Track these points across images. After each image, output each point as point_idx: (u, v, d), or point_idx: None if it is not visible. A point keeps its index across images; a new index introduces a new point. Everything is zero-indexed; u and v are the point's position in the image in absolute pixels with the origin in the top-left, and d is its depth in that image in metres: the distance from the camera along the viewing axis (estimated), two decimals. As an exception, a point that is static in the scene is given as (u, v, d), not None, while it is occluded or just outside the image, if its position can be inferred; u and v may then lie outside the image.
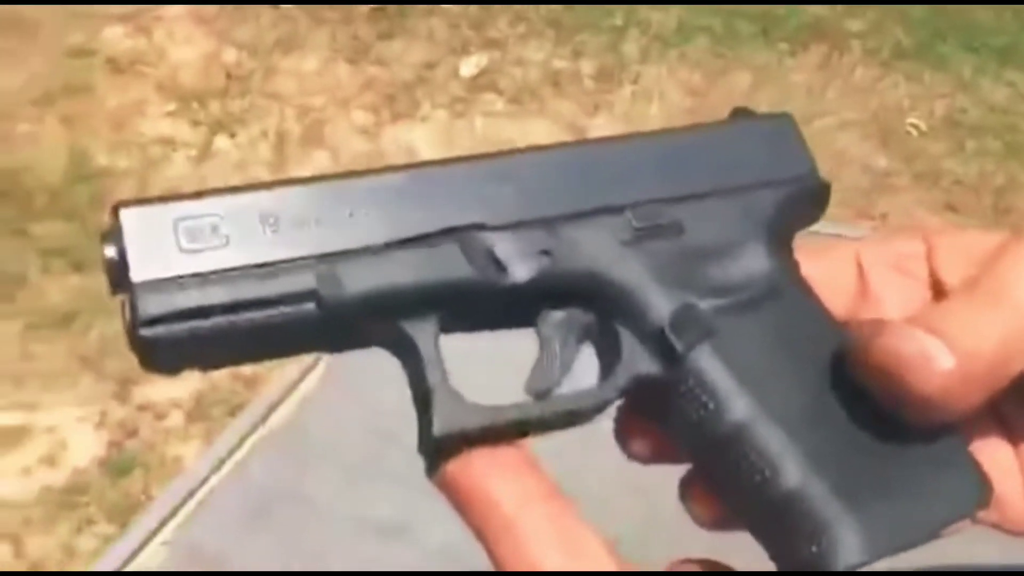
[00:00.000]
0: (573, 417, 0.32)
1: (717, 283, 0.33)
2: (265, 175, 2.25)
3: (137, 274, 0.29)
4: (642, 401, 0.33)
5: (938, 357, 0.30)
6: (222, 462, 0.61)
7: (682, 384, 0.32)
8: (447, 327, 0.32)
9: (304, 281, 0.30)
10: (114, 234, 0.29)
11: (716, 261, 0.34)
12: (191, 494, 0.59)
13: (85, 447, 1.71)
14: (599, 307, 0.33)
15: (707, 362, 0.32)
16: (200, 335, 0.29)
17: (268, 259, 0.30)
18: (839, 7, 2.62)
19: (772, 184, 0.36)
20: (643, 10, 2.69)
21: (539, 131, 2.32)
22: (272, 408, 0.64)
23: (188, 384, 1.78)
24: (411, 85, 2.50)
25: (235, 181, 2.24)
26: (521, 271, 0.32)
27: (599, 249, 0.33)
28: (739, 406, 0.31)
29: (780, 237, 0.35)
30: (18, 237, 2.11)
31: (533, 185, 0.33)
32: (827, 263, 0.36)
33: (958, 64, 2.40)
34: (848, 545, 0.30)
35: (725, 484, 0.32)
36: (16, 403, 1.78)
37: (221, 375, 1.78)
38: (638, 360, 0.32)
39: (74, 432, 1.73)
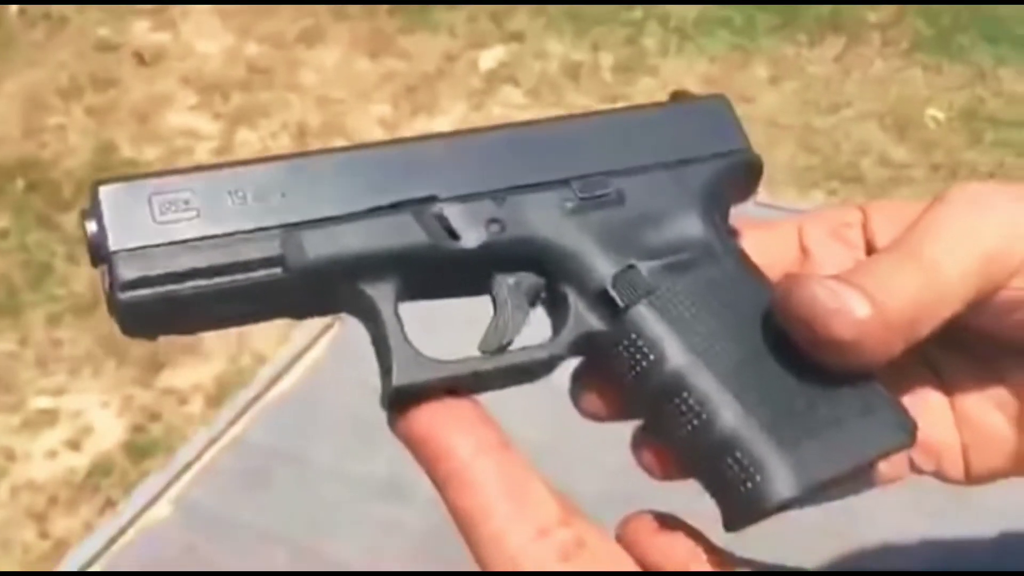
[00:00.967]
0: (524, 372, 0.35)
1: (655, 246, 0.36)
2: (287, 166, 2.28)
3: (115, 243, 0.31)
4: (591, 359, 0.36)
5: (854, 306, 0.32)
6: (227, 427, 0.63)
7: (625, 338, 0.34)
8: (407, 293, 0.34)
9: (270, 248, 0.32)
10: (94, 209, 0.32)
11: (654, 227, 0.36)
12: (197, 456, 0.62)
13: (109, 431, 1.74)
14: (547, 271, 0.36)
15: (646, 317, 0.34)
16: (175, 299, 0.32)
17: (236, 229, 0.33)
18: (859, -1, 2.61)
19: (706, 158, 0.39)
20: (663, 4, 2.70)
21: (557, 123, 2.34)
22: (277, 377, 0.67)
23: (210, 369, 1.81)
24: (431, 78, 2.52)
25: (257, 172, 2.27)
26: (472, 238, 0.34)
27: (545, 217, 0.35)
28: (676, 356, 0.34)
29: (715, 207, 0.38)
30: (45, 227, 2.16)
31: (483, 160, 0.36)
32: (770, 235, 0.39)
33: (978, 55, 2.39)
34: (780, 480, 0.32)
35: (667, 432, 0.35)
36: (43, 388, 1.82)
37: (243, 361, 1.81)
38: (584, 318, 0.35)
39: (98, 416, 1.77)
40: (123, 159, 2.34)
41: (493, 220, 0.35)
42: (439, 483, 0.33)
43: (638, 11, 2.67)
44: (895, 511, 0.53)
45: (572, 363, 0.37)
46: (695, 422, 0.33)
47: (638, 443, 0.36)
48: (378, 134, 2.36)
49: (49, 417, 1.77)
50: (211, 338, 1.90)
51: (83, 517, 1.61)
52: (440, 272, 0.35)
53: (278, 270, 0.32)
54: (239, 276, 0.32)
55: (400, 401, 0.33)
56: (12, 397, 1.80)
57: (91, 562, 0.57)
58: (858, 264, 0.35)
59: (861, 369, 0.34)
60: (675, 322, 0.34)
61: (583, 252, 0.35)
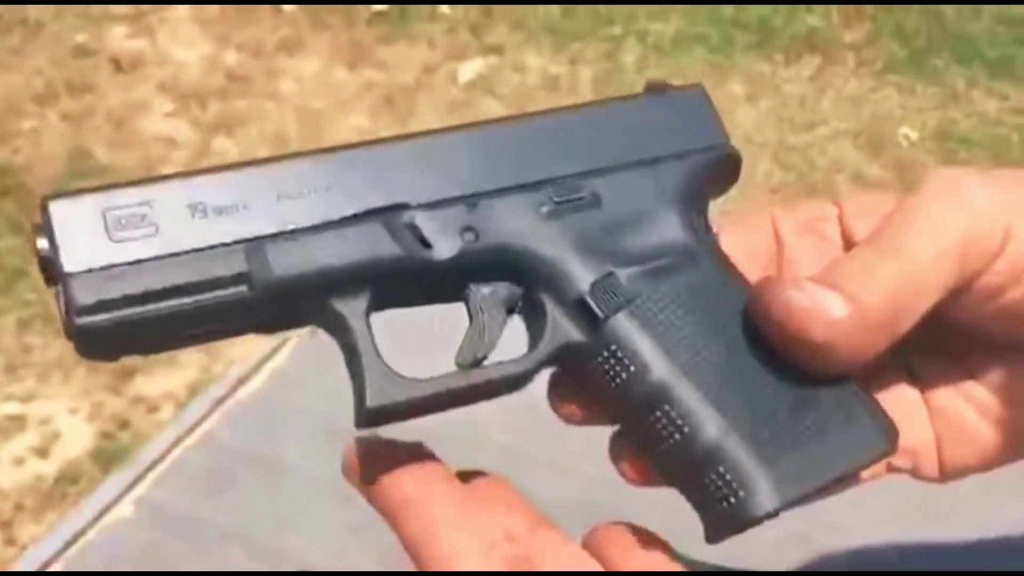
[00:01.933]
0: (501, 386, 0.34)
1: (634, 252, 0.35)
2: (263, 175, 2.28)
3: (69, 264, 0.30)
4: (569, 368, 0.35)
5: (830, 307, 0.32)
6: (193, 427, 0.63)
7: (604, 349, 0.33)
8: (378, 304, 0.33)
9: (235, 264, 0.31)
10: (45, 226, 0.30)
11: (632, 231, 0.35)
12: (161, 458, 0.61)
13: (77, 438, 1.73)
14: (523, 280, 0.34)
15: (627, 327, 0.33)
16: (135, 322, 0.30)
17: (198, 245, 0.31)
18: (834, 19, 2.64)
19: (684, 155, 0.37)
20: (641, 20, 2.71)
21: (535, 136, 2.35)
22: (242, 381, 0.67)
23: (182, 377, 1.80)
24: (409, 89, 2.52)
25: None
26: (445, 248, 0.33)
27: (520, 223, 0.34)
28: (657, 368, 0.33)
29: (693, 206, 0.37)
30: (18, 232, 2.13)
31: (454, 164, 0.34)
32: (745, 230, 0.38)
33: (951, 77, 2.42)
34: (762, 495, 0.32)
35: (648, 443, 0.34)
36: (11, 394, 1.80)
37: (216, 369, 1.80)
38: (562, 329, 0.34)
39: (67, 423, 1.75)
40: (98, 165, 2.32)
41: (467, 228, 0.33)
42: (389, 518, 0.33)
43: (617, 27, 2.69)
44: (863, 515, 0.53)
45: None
46: (677, 436, 0.33)
47: (616, 449, 0.36)
48: (355, 144, 2.36)
49: (17, 423, 1.75)
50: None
51: (50, 524, 1.59)
52: (413, 282, 0.34)
53: (244, 288, 0.31)
54: (202, 296, 0.30)
55: (374, 422, 0.33)
56: (-21, 403, 1.78)
57: (50, 561, 0.56)
58: (834, 262, 0.34)
59: (842, 371, 0.34)
60: (656, 332, 0.33)
61: (560, 259, 0.34)
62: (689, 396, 0.33)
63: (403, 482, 0.33)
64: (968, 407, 0.37)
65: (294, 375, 0.67)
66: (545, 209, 0.34)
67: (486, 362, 0.34)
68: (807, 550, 0.57)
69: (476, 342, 0.34)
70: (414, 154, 0.34)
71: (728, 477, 0.32)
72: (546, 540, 0.32)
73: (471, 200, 0.34)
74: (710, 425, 0.32)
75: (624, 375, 0.33)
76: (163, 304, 0.30)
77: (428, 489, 0.33)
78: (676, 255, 0.35)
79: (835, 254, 0.38)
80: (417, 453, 0.34)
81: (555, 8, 2.74)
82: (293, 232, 0.31)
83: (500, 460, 0.37)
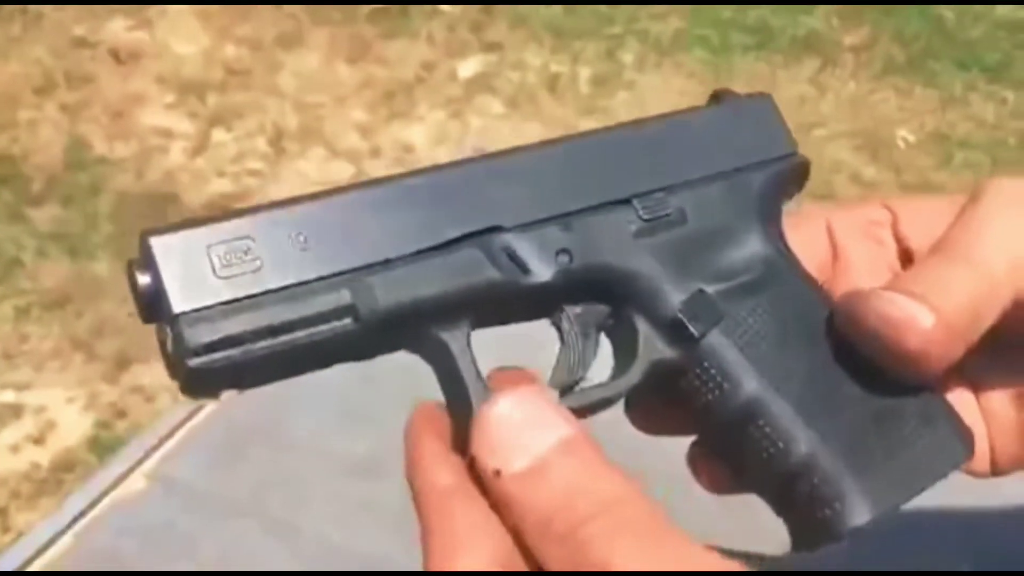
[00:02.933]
0: (600, 406, 0.34)
1: (721, 268, 0.35)
2: (262, 168, 2.27)
3: (178, 305, 0.29)
4: (658, 383, 0.34)
5: (920, 317, 0.32)
6: (202, 404, 0.63)
7: (697, 367, 0.33)
8: (474, 326, 0.33)
9: (340, 298, 0.30)
10: (147, 263, 0.29)
11: (718, 246, 0.35)
12: (171, 432, 0.61)
13: (74, 427, 1.72)
14: (614, 298, 0.34)
15: (719, 344, 0.33)
16: (245, 360, 0.29)
17: (303, 278, 0.30)
18: (834, 22, 2.65)
19: (760, 166, 0.37)
20: (642, 20, 2.72)
21: (534, 133, 2.35)
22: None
23: (178, 368, 1.79)
24: (409, 85, 2.52)
25: (231, 172, 2.26)
26: (544, 271, 0.33)
27: (614, 243, 0.34)
28: (749, 385, 0.33)
29: (770, 217, 0.37)
30: (16, 221, 2.13)
31: (542, 182, 0.34)
32: (802, 233, 0.39)
33: (949, 80, 2.43)
34: (857, 505, 0.32)
35: (738, 458, 0.34)
36: (8, 383, 1.79)
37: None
38: (654, 346, 0.34)
39: (64, 412, 1.74)
40: (95, 156, 2.32)
41: (562, 250, 0.33)
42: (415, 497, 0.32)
43: (617, 27, 2.69)
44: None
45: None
46: (771, 450, 0.33)
47: (694, 458, 0.36)
48: (355, 139, 2.36)
49: (13, 411, 1.74)
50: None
51: (45, 512, 1.58)
52: (509, 304, 0.33)
53: (349, 320, 0.30)
54: (311, 330, 0.30)
55: None
56: (-25, 391, 1.78)
57: (58, 536, 0.56)
58: (910, 271, 0.35)
59: (926, 380, 0.34)
60: (747, 349, 0.34)
61: (652, 278, 0.34)
62: (782, 410, 0.33)
63: (441, 469, 0.32)
64: (1012, 405, 0.37)
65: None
66: (634, 227, 0.34)
67: (582, 383, 0.33)
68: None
69: (571, 366, 0.33)
70: (504, 174, 0.34)
71: (823, 490, 0.32)
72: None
73: (564, 220, 0.34)
74: (803, 438, 0.32)
75: (717, 391, 0.33)
76: (272, 341, 0.29)
77: (463, 484, 0.31)
78: (760, 269, 0.35)
79: (890, 259, 0.39)
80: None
81: (556, 6, 2.75)
82: (395, 261, 0.31)
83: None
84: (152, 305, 0.29)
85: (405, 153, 2.33)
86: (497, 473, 0.29)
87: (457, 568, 0.30)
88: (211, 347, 0.29)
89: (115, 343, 1.85)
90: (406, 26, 2.70)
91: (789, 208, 0.40)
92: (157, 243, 0.29)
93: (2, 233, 2.09)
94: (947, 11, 2.63)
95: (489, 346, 0.34)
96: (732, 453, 0.34)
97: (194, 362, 0.28)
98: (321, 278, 0.30)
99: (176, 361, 0.29)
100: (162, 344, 0.29)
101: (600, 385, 0.34)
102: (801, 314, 0.35)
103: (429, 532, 0.31)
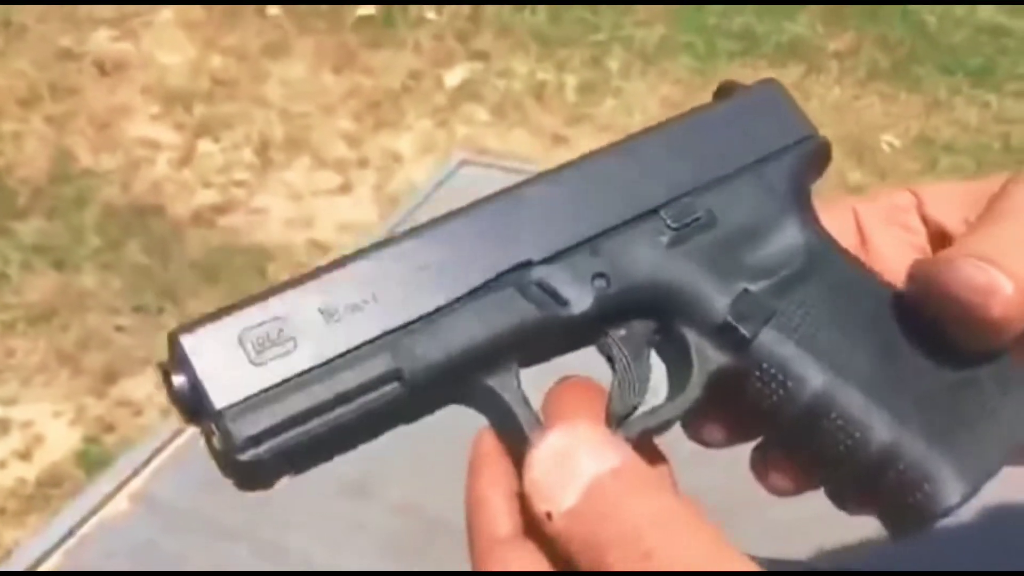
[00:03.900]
0: (663, 428, 0.33)
1: (762, 264, 0.34)
2: (248, 179, 2.27)
3: (219, 400, 0.28)
4: (718, 392, 0.33)
5: (1003, 284, 0.31)
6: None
7: (756, 369, 0.32)
8: (522, 365, 0.32)
9: (382, 363, 0.29)
10: (180, 363, 0.28)
11: (754, 242, 0.34)
12: (157, 452, 0.61)
13: (61, 441, 1.71)
14: (658, 314, 0.33)
15: (774, 343, 0.32)
16: (296, 444, 0.28)
17: (340, 350, 0.29)
18: (819, 28, 2.66)
19: (782, 152, 0.36)
20: (627, 27, 2.73)
21: (520, 142, 2.35)
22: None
23: (165, 381, 1.79)
24: (396, 94, 2.52)
25: (218, 183, 2.26)
26: (582, 300, 0.32)
27: (647, 258, 0.33)
28: (814, 378, 0.32)
29: (802, 203, 0.36)
30: (0, 234, 2.12)
31: (564, 209, 0.33)
32: (829, 220, 0.38)
33: (933, 85, 2.44)
34: (948, 484, 0.31)
35: (815, 454, 0.33)
36: (-7, 397, 1.78)
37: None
38: (708, 355, 0.33)
39: (50, 427, 1.73)
40: (81, 168, 2.31)
41: (597, 275, 0.32)
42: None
43: (603, 34, 2.70)
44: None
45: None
46: (848, 441, 0.32)
47: (761, 464, 0.35)
48: (342, 149, 2.36)
49: (0, 426, 1.73)
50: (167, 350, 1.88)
51: (32, 528, 1.57)
52: (553, 339, 0.32)
53: (395, 384, 0.29)
54: (359, 401, 0.29)
55: None
56: (-39, 406, 1.76)
57: (46, 556, 0.56)
58: (974, 238, 0.34)
59: (1003, 346, 0.33)
60: (803, 341, 0.32)
61: (693, 286, 0.33)
62: (852, 399, 0.32)
63: (501, 515, 0.30)
64: None
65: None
66: (665, 238, 0.33)
67: (641, 408, 0.32)
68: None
69: (626, 393, 0.32)
70: (523, 206, 0.33)
71: (910, 473, 0.31)
72: None
73: (592, 243, 0.33)
74: (880, 425, 0.31)
75: (781, 391, 0.32)
76: (321, 419, 0.29)
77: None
78: (803, 258, 0.34)
79: (920, 243, 0.38)
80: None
81: (541, 15, 2.75)
82: (430, 315, 0.30)
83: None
84: (193, 405, 0.28)
85: (392, 162, 2.33)
86: (549, 516, 0.28)
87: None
88: (259, 438, 0.28)
89: (102, 357, 1.84)
90: (392, 35, 2.70)
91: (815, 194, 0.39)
92: (188, 341, 0.28)
93: (-13, 247, 2.08)
94: (930, 16, 2.64)
95: (542, 379, 0.33)
96: (807, 451, 0.33)
97: (245, 456, 0.28)
98: (359, 346, 0.29)
99: (227, 458, 0.28)
100: (208, 442, 0.29)
101: (659, 408, 0.32)
102: (854, 296, 0.34)
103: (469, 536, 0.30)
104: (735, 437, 0.35)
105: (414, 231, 0.32)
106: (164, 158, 2.34)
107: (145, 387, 1.78)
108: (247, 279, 2.00)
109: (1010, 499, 0.54)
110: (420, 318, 0.30)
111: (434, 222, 0.32)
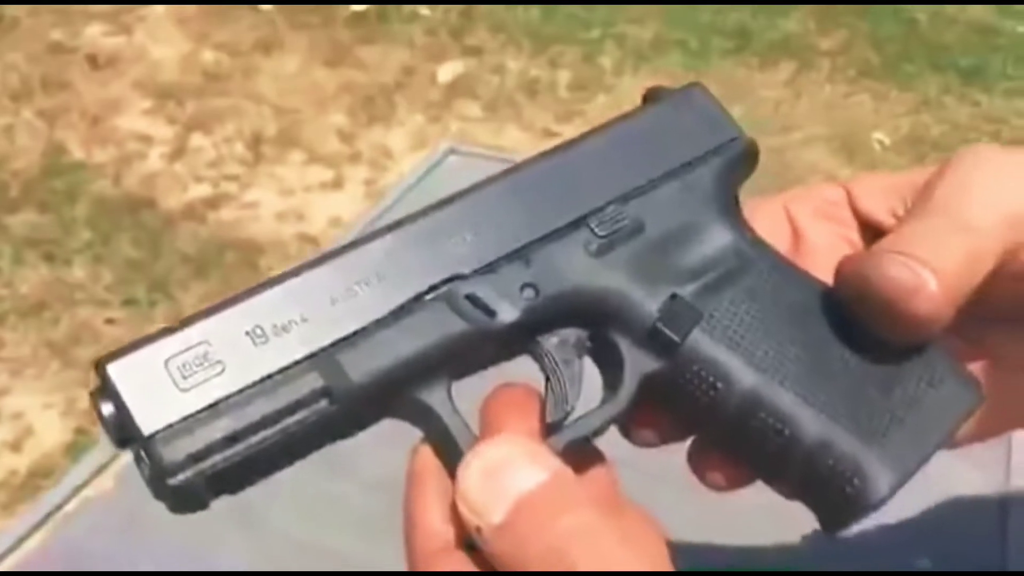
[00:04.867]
0: (596, 434, 0.33)
1: (690, 267, 0.34)
2: (240, 173, 2.27)
3: (147, 426, 0.28)
4: (651, 396, 0.34)
5: (927, 280, 0.32)
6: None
7: (687, 371, 0.33)
8: (454, 378, 0.32)
9: (310, 382, 0.29)
10: (107, 390, 0.28)
11: (682, 247, 0.34)
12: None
13: (51, 433, 1.71)
14: (589, 321, 0.33)
15: (704, 344, 0.33)
16: (227, 466, 0.29)
17: (268, 371, 0.29)
18: (810, 25, 2.67)
19: (707, 156, 0.37)
20: (620, 24, 2.73)
21: (513, 137, 2.35)
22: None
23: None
24: (389, 89, 2.52)
25: (209, 177, 2.26)
26: (510, 311, 0.32)
27: (574, 267, 0.33)
28: (745, 377, 0.32)
29: (729, 206, 0.36)
30: (-10, 228, 2.12)
31: (493, 221, 0.33)
32: (761, 219, 0.38)
33: (924, 84, 2.45)
34: (879, 478, 0.32)
35: (748, 452, 0.33)
36: (-17, 389, 1.78)
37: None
38: (639, 361, 0.33)
39: (40, 418, 1.74)
40: (73, 161, 2.31)
41: (526, 285, 0.32)
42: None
43: (595, 31, 2.71)
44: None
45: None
46: (779, 439, 0.32)
47: (698, 461, 0.35)
48: (335, 144, 2.36)
49: (-11, 418, 1.73)
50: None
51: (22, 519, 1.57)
52: (484, 351, 0.33)
53: (325, 403, 0.29)
54: (287, 421, 0.29)
55: None
56: (-49, 397, 1.76)
57: (30, 533, 0.56)
58: (900, 234, 0.34)
59: (927, 341, 0.33)
60: (734, 342, 0.33)
61: (621, 293, 0.33)
62: (782, 398, 0.32)
63: (424, 452, 0.32)
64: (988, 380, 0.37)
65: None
66: (594, 246, 0.34)
67: (572, 415, 0.32)
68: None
69: (560, 400, 0.32)
70: (452, 221, 0.33)
71: (840, 468, 0.32)
72: None
73: (522, 254, 0.33)
74: (810, 421, 0.32)
75: (711, 392, 0.33)
76: (251, 439, 0.29)
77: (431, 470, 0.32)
78: (731, 260, 0.35)
79: (852, 237, 0.38)
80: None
81: (534, 11, 2.76)
82: (359, 333, 0.30)
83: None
84: (122, 431, 0.28)
85: (384, 157, 2.33)
86: (479, 530, 0.29)
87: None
88: (188, 461, 0.28)
89: (92, 349, 1.84)
90: (385, 31, 2.70)
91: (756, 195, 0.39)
92: (114, 369, 0.29)
93: (-22, 239, 2.08)
94: (921, 15, 2.65)
95: (478, 388, 0.33)
96: (740, 449, 0.33)
97: (175, 480, 0.28)
98: (286, 367, 0.29)
99: (158, 483, 0.28)
100: (140, 467, 0.29)
101: (589, 414, 0.33)
102: (782, 296, 0.34)
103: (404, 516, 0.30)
104: (669, 438, 0.36)
105: (343, 248, 0.32)
106: (156, 152, 2.34)
107: (135, 379, 1.78)
108: (238, 273, 2.00)
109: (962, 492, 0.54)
110: (349, 336, 0.30)
111: (363, 238, 0.32)
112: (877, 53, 2.56)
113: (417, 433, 0.33)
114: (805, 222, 0.39)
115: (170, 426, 0.28)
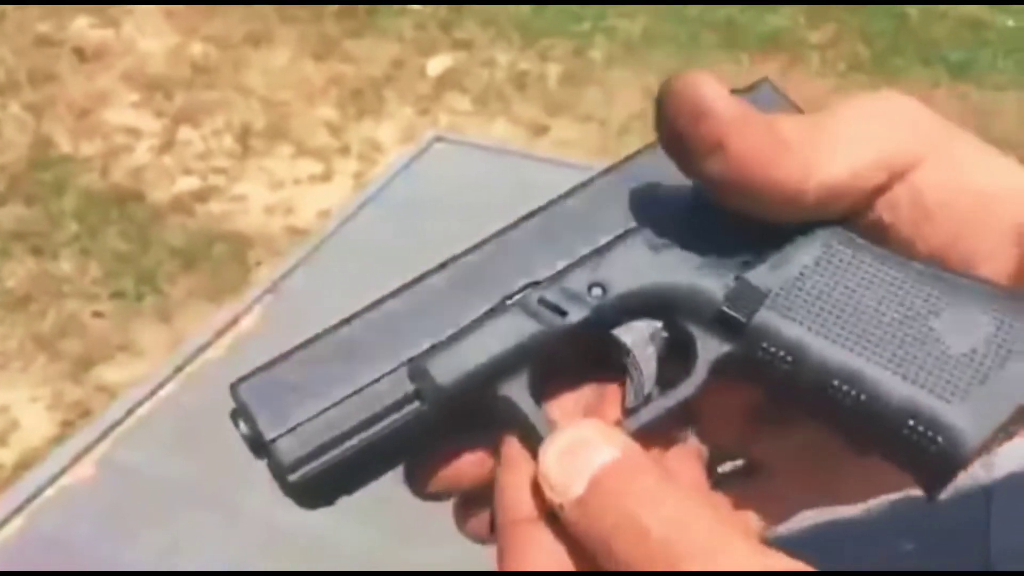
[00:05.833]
0: (668, 416, 0.35)
1: (753, 249, 0.35)
2: (228, 166, 2.26)
3: (268, 433, 0.33)
4: (731, 378, 0.35)
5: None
6: (156, 389, 0.62)
7: (758, 350, 0.34)
8: (539, 381, 0.35)
9: (402, 387, 0.34)
10: (241, 411, 0.34)
11: (742, 230, 0.35)
12: (122, 419, 0.61)
13: (37, 426, 1.70)
14: (659, 313, 0.35)
15: (770, 322, 0.34)
16: (336, 463, 0.33)
17: (367, 380, 0.34)
18: (800, 19, 2.67)
19: None
20: (610, 17, 2.73)
21: (502, 131, 2.35)
22: (207, 344, 0.66)
23: (143, 365, 1.78)
24: (378, 82, 2.52)
25: (198, 170, 2.25)
26: (580, 310, 0.35)
27: (639, 262, 0.36)
28: (815, 348, 0.33)
29: None
30: (-22, 221, 2.11)
31: (561, 232, 0.36)
32: None
33: (914, 77, 2.45)
34: (964, 430, 0.32)
35: (833, 421, 0.34)
36: (-31, 383, 1.77)
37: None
38: (711, 344, 0.35)
39: (27, 411, 1.73)
40: (60, 154, 2.30)
41: (594, 284, 0.35)
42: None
43: (586, 24, 2.71)
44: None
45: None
46: (857, 405, 0.33)
47: (462, 517, 0.37)
48: (323, 136, 2.35)
49: (-25, 412, 1.72)
50: (145, 334, 1.87)
51: (7, 513, 1.57)
52: (560, 348, 0.35)
53: (416, 404, 0.34)
54: (385, 421, 0.33)
55: None
56: (-63, 391, 1.76)
57: (7, 520, 0.56)
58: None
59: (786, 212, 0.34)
60: (800, 316, 0.34)
61: (686, 283, 0.35)
62: (855, 362, 0.33)
63: (524, 500, 0.34)
64: None
65: (258, 339, 0.67)
66: (656, 241, 0.36)
67: (651, 399, 0.35)
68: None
69: (637, 389, 0.35)
70: (524, 235, 0.36)
71: (922, 427, 0.32)
72: None
73: (590, 257, 0.36)
74: (886, 383, 0.33)
75: (784, 366, 0.34)
76: (354, 440, 0.33)
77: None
78: (794, 235, 0.35)
79: None
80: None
81: (525, 5, 2.75)
82: (444, 342, 0.34)
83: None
84: (255, 442, 0.33)
85: (373, 151, 2.33)
86: (561, 507, 0.31)
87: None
88: (302, 461, 0.33)
89: (79, 342, 1.83)
90: (374, 24, 2.69)
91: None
92: (243, 390, 0.34)
93: (-36, 232, 2.07)
94: (911, 9, 2.66)
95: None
96: (823, 418, 0.34)
97: (293, 477, 0.33)
98: (380, 377, 0.34)
99: (282, 480, 0.33)
100: (270, 467, 0.33)
101: (661, 397, 0.35)
102: (844, 265, 0.35)
103: (506, 561, 0.33)
104: (748, 437, 0.37)
105: (430, 272, 0.36)
106: (144, 145, 2.33)
107: (123, 372, 1.78)
108: (226, 266, 1.99)
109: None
110: (434, 345, 0.35)
111: (443, 264, 0.36)
112: (867, 47, 2.56)
113: None
114: None
115: (286, 432, 0.33)
